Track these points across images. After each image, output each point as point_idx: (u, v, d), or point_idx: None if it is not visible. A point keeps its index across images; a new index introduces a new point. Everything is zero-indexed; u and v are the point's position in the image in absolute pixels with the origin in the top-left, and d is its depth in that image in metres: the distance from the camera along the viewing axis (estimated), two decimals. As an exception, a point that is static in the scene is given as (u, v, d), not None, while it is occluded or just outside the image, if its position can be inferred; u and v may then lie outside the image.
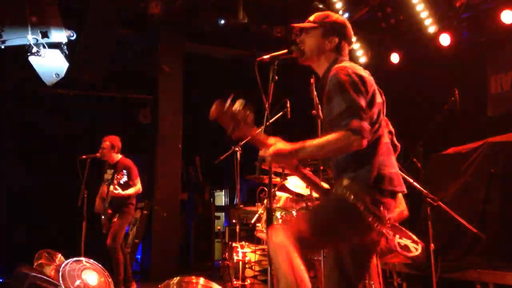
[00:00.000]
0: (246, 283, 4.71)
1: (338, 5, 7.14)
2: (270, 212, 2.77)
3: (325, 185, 2.71)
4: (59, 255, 5.74)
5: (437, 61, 6.96)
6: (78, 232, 5.96)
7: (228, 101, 2.25)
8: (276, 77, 2.60)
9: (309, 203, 4.32)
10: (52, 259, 5.65)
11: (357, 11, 7.19)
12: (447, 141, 6.26)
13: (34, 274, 4.82)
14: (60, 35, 5.80)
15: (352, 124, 2.26)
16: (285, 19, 7.52)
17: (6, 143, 7.70)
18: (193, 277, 4.16)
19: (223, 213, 10.38)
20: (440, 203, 4.41)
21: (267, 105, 2.51)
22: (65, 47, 6.03)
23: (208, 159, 9.60)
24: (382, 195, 2.38)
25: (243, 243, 5.04)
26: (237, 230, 5.40)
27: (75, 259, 5.27)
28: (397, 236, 4.36)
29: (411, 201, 4.50)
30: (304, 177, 2.64)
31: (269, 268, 2.94)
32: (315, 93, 3.66)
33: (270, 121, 2.60)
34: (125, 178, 5.94)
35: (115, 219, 6.04)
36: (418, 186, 4.47)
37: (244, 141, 5.10)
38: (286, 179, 4.54)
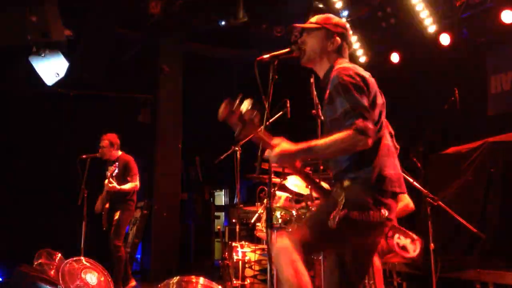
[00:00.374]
0: (246, 282, 4.71)
1: (338, 4, 7.13)
2: (270, 211, 2.77)
3: (325, 186, 2.71)
4: (59, 255, 5.74)
5: (437, 60, 6.95)
6: (78, 232, 5.96)
7: (237, 102, 2.25)
8: (276, 77, 2.60)
9: (309, 203, 4.32)
10: (52, 259, 5.65)
11: (357, 11, 7.19)
12: (447, 140, 6.27)
13: (34, 273, 4.83)
14: (60, 35, 5.80)
15: (357, 124, 2.25)
16: (285, 19, 7.52)
17: (6, 142, 7.70)
18: (193, 276, 4.16)
19: (223, 213, 10.38)
20: (440, 202, 4.42)
21: (267, 105, 2.51)
22: (65, 46, 6.03)
23: (208, 158, 9.61)
24: (383, 196, 2.37)
25: (243, 242, 5.04)
26: (237, 229, 5.40)
27: (75, 258, 5.28)
28: (396, 236, 4.36)
29: (411, 200, 4.50)
30: (306, 178, 2.64)
31: (268, 267, 2.94)
32: (315, 93, 3.67)
33: (270, 120, 2.60)
34: (116, 170, 5.89)
35: (116, 217, 6.03)
36: (418, 185, 4.48)
37: (246, 141, 5.11)
38: (286, 178, 4.54)
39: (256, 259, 4.79)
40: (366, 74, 2.52)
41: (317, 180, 2.69)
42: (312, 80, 3.64)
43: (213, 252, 9.22)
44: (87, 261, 5.31)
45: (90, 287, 5.13)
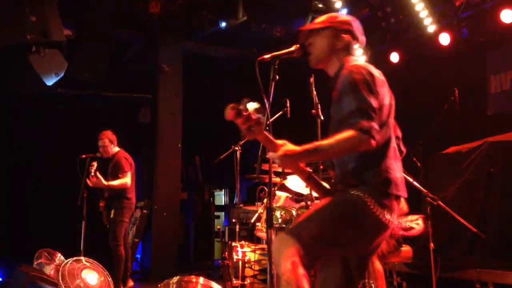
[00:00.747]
0: (245, 282, 4.71)
1: (338, 4, 7.13)
2: (269, 211, 2.77)
3: (327, 186, 2.70)
4: (59, 255, 5.74)
5: (436, 60, 6.95)
6: (77, 232, 5.96)
7: (245, 102, 2.23)
8: (277, 77, 2.60)
9: (308, 202, 4.32)
10: (52, 259, 5.65)
11: (357, 11, 7.19)
12: (447, 140, 6.26)
13: (33, 273, 4.82)
14: (59, 35, 5.79)
15: (361, 124, 2.23)
16: (285, 19, 7.52)
17: (5, 142, 7.70)
18: (193, 276, 4.16)
19: (223, 213, 10.39)
20: (440, 202, 4.42)
21: (267, 105, 2.51)
22: (64, 46, 6.02)
23: (208, 158, 9.62)
24: (387, 198, 2.37)
25: (242, 242, 5.04)
26: (237, 229, 5.40)
27: (74, 258, 5.27)
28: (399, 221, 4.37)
29: (411, 200, 4.51)
30: (309, 179, 2.62)
31: (268, 267, 2.94)
32: (314, 92, 3.66)
33: (270, 120, 2.60)
34: (94, 167, 5.90)
35: (111, 216, 6.03)
36: (418, 185, 4.48)
37: (249, 140, 5.10)
38: (286, 178, 4.54)
39: (256, 259, 4.78)
40: (377, 73, 2.50)
41: (321, 182, 2.67)
42: (311, 80, 3.64)
43: (213, 252, 9.22)
44: (87, 261, 5.31)
45: (90, 287, 5.12)
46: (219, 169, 10.38)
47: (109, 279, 5.36)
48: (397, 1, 6.86)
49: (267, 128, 2.44)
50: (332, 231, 2.34)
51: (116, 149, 6.29)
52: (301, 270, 2.23)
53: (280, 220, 4.21)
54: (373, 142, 2.25)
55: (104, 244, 6.07)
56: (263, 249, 4.89)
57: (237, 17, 6.92)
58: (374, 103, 2.32)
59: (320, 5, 7.14)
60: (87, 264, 5.28)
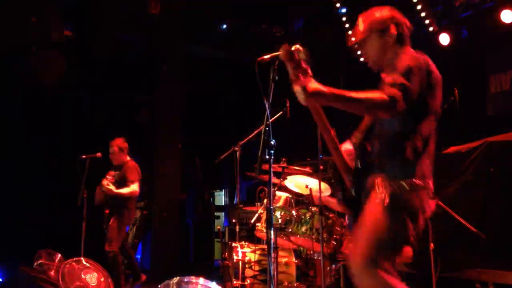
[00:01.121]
0: (245, 283, 4.71)
1: (337, 5, 7.14)
2: (269, 212, 2.77)
3: (348, 145, 2.69)
4: (59, 255, 5.74)
5: (436, 60, 6.94)
6: (78, 232, 5.96)
7: (296, 48, 2.38)
8: (277, 77, 2.60)
9: (307, 202, 4.32)
10: (52, 259, 5.65)
11: (357, 11, 7.18)
12: (446, 140, 6.26)
13: (34, 274, 4.82)
14: (59, 35, 5.80)
15: (395, 93, 2.28)
16: (284, 19, 7.52)
17: (5, 142, 7.69)
18: (193, 277, 4.16)
19: (223, 213, 10.38)
20: (440, 202, 4.41)
21: (267, 105, 2.51)
22: (64, 47, 6.03)
23: (207, 158, 9.61)
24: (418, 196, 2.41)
25: (242, 242, 5.04)
26: (237, 230, 5.40)
27: (75, 259, 5.28)
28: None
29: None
30: (325, 129, 2.63)
31: (268, 267, 2.94)
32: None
33: (270, 120, 2.60)
34: (113, 180, 5.99)
35: (110, 222, 6.04)
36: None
37: (244, 142, 5.10)
38: (286, 178, 4.54)
39: (256, 259, 4.79)
40: (434, 68, 2.54)
41: (338, 143, 2.69)
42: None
43: (213, 252, 9.22)
44: (87, 262, 5.31)
45: (90, 287, 5.12)
46: (219, 170, 10.38)
47: (109, 280, 5.36)
48: (396, 1, 6.87)
49: (267, 128, 2.44)
50: (389, 239, 2.46)
51: (127, 158, 6.31)
52: (392, 279, 2.42)
53: (280, 221, 4.22)
54: (393, 113, 2.30)
55: (104, 245, 6.08)
56: (263, 249, 4.89)
57: (237, 17, 6.93)
58: (415, 89, 2.35)
59: (319, 6, 7.14)
60: (87, 264, 5.28)
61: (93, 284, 5.17)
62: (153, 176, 7.60)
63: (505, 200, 5.19)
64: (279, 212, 4.27)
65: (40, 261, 5.58)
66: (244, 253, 4.82)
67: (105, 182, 5.93)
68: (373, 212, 2.45)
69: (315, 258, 4.72)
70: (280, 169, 4.47)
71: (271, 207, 2.69)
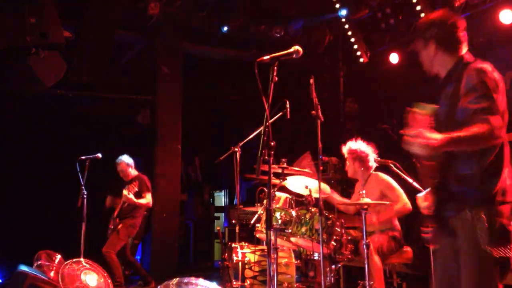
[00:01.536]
0: (245, 283, 4.71)
1: (337, 5, 7.15)
2: (269, 212, 2.77)
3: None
4: (59, 256, 5.73)
5: (436, 61, 6.96)
6: (77, 233, 5.96)
7: (421, 108, 2.51)
8: (276, 78, 2.60)
9: (307, 203, 4.32)
10: (52, 260, 5.64)
11: (357, 12, 7.20)
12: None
13: (33, 274, 4.82)
14: (59, 36, 5.79)
15: (492, 120, 2.33)
16: (284, 19, 7.52)
17: (5, 143, 7.69)
18: (193, 277, 4.15)
19: (223, 214, 10.38)
20: (439, 203, 4.41)
21: (267, 106, 2.51)
22: (64, 48, 6.02)
23: (207, 159, 9.61)
24: (503, 206, 2.42)
25: (242, 243, 5.04)
26: (237, 230, 5.39)
27: (74, 260, 5.27)
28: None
29: (411, 200, 4.51)
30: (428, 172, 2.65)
31: (268, 268, 2.94)
32: (314, 93, 3.66)
33: (270, 121, 2.60)
34: (136, 189, 6.24)
35: (119, 227, 6.24)
36: (417, 186, 4.48)
37: (244, 142, 5.10)
38: (286, 179, 4.54)
39: (256, 260, 4.78)
40: (495, 71, 2.58)
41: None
42: (312, 81, 3.64)
43: (213, 253, 9.21)
44: (86, 263, 5.31)
45: (90, 288, 5.12)
46: (219, 170, 10.38)
47: (109, 281, 5.36)
48: (396, 2, 6.87)
49: (267, 129, 2.44)
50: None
51: (135, 172, 6.58)
52: None
53: (280, 221, 4.21)
54: (499, 141, 2.38)
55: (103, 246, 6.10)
56: (263, 250, 4.89)
57: (236, 18, 6.92)
58: (500, 105, 2.42)
59: (319, 6, 7.14)
60: (87, 265, 5.27)
61: (92, 285, 5.16)
62: (153, 177, 7.59)
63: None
64: (279, 212, 4.27)
65: (39, 262, 5.58)
66: (244, 254, 4.82)
67: (125, 191, 6.16)
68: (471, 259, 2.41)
69: (315, 258, 4.72)
70: (280, 170, 4.47)
71: (271, 208, 2.68)
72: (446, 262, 2.56)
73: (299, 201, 5.01)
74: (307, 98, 3.73)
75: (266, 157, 2.57)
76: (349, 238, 4.22)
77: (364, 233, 3.91)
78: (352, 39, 7.67)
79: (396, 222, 4.65)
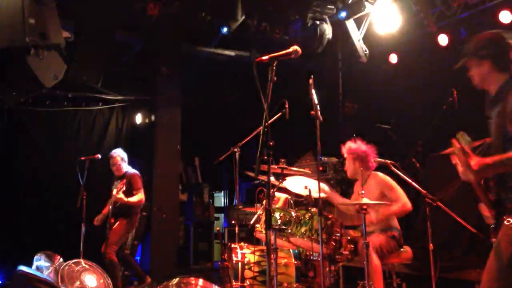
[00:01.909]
0: (245, 284, 4.71)
1: (336, 5, 7.14)
2: (269, 213, 2.77)
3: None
4: (58, 257, 5.73)
5: (435, 61, 6.97)
6: (77, 234, 5.96)
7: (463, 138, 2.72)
8: (275, 78, 2.61)
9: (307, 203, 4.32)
10: (51, 261, 5.64)
11: (356, 12, 7.20)
12: (445, 141, 6.26)
13: (33, 276, 4.82)
14: (58, 37, 5.79)
15: None
16: (283, 20, 7.52)
17: (4, 144, 7.69)
18: (192, 278, 4.15)
19: (222, 214, 10.38)
20: (439, 203, 4.42)
21: (265, 106, 2.51)
22: (63, 48, 6.02)
23: (207, 160, 9.61)
24: None
25: (242, 244, 5.04)
26: (236, 231, 5.40)
27: (74, 260, 5.27)
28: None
29: (410, 200, 4.51)
30: (482, 191, 2.84)
31: (268, 269, 2.94)
32: (314, 94, 3.66)
33: (269, 122, 2.60)
34: (123, 188, 6.08)
35: (115, 226, 6.13)
36: (417, 186, 4.49)
37: (243, 143, 5.10)
38: (285, 179, 4.54)
39: (255, 260, 4.79)
40: None
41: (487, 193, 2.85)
42: (311, 81, 3.64)
43: (213, 253, 9.21)
44: (86, 263, 5.31)
45: (89, 289, 5.12)
46: (219, 171, 10.37)
47: (108, 281, 5.36)
48: (396, 2, 6.87)
49: (265, 129, 2.44)
50: None
51: (127, 167, 6.43)
52: None
53: (279, 222, 4.21)
54: None
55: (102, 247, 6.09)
56: (262, 250, 4.89)
57: (235, 18, 6.92)
58: None
59: (318, 9, 7.14)
60: (87, 266, 5.27)
61: (92, 286, 5.16)
62: (153, 177, 7.59)
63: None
64: (278, 213, 4.27)
65: (39, 263, 5.58)
66: (243, 254, 4.82)
67: (114, 191, 6.04)
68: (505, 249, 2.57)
69: (315, 259, 4.72)
70: (279, 170, 4.47)
71: (270, 208, 2.69)
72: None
73: (299, 201, 5.01)
74: (306, 98, 3.73)
75: (265, 157, 2.57)
76: (349, 238, 4.22)
77: (364, 233, 3.92)
78: (352, 39, 7.66)
79: (396, 222, 4.65)
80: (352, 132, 5.51)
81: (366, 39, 7.60)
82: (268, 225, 2.72)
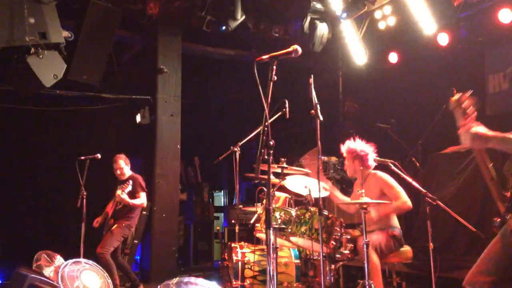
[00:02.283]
0: (245, 283, 4.72)
1: (336, 5, 7.13)
2: (269, 212, 2.77)
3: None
4: (58, 256, 5.73)
5: (435, 60, 6.96)
6: (77, 234, 5.96)
7: (464, 95, 2.71)
8: (275, 77, 2.60)
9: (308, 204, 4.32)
10: (51, 260, 5.64)
11: (356, 11, 7.19)
12: (445, 140, 6.27)
13: (33, 275, 4.82)
14: (58, 37, 5.79)
15: None
16: (283, 19, 7.51)
17: (4, 143, 7.69)
18: (192, 277, 4.15)
19: (222, 214, 10.39)
20: (439, 202, 4.42)
21: (266, 105, 2.51)
22: (63, 48, 6.02)
23: (207, 159, 9.61)
24: None
25: (242, 243, 5.04)
26: (236, 230, 5.40)
27: (74, 260, 5.27)
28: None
29: (410, 200, 4.51)
30: (483, 163, 3.03)
31: (268, 268, 2.94)
32: (313, 93, 3.66)
33: (269, 121, 2.60)
34: (129, 188, 6.12)
35: (113, 228, 6.16)
36: (417, 185, 4.48)
37: (243, 142, 5.10)
38: (285, 179, 4.54)
39: (255, 259, 4.79)
40: None
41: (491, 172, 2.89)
42: (311, 80, 3.64)
43: (213, 253, 9.22)
44: (86, 263, 5.30)
45: (90, 288, 5.12)
46: (218, 170, 10.38)
47: (109, 281, 5.35)
48: (395, 2, 6.87)
49: (266, 128, 2.44)
50: None
51: (130, 171, 6.47)
52: None
53: (279, 221, 4.21)
54: None
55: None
56: (262, 250, 4.89)
57: (235, 18, 6.91)
58: None
59: (318, 6, 7.14)
60: (87, 266, 5.27)
61: (92, 286, 5.16)
62: (153, 177, 7.59)
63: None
64: (278, 212, 4.27)
65: (39, 263, 5.58)
66: (243, 254, 4.82)
67: (118, 191, 6.08)
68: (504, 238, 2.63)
69: (315, 258, 4.72)
70: (279, 170, 4.47)
71: (270, 208, 2.69)
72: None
73: (299, 200, 5.01)
74: (306, 98, 3.73)
75: (265, 157, 2.57)
76: (349, 237, 4.22)
77: (364, 232, 3.92)
78: (352, 38, 7.66)
79: (396, 221, 4.65)
80: (352, 132, 5.51)
81: (366, 38, 7.60)
82: (268, 224, 2.72)
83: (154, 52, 7.87)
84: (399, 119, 6.86)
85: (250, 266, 4.75)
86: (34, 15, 5.44)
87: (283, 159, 4.44)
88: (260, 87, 2.50)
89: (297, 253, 5.00)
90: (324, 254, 4.00)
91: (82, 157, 6.10)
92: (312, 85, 3.64)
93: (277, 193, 4.74)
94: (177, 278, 4.04)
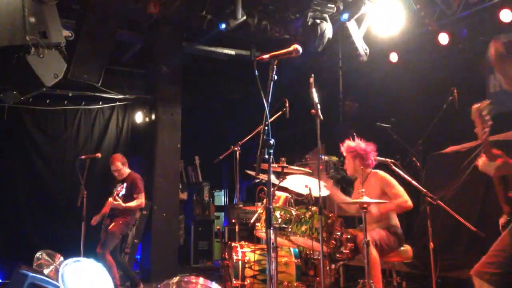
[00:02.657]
0: (245, 282, 4.72)
1: (336, 5, 7.13)
2: (269, 211, 2.77)
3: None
4: (59, 256, 5.73)
5: (435, 60, 6.96)
6: (77, 232, 5.96)
7: (485, 105, 2.74)
8: (275, 77, 2.60)
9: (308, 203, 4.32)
10: (52, 260, 5.64)
11: (356, 11, 7.18)
12: (446, 140, 6.27)
13: (33, 274, 4.82)
14: (59, 36, 5.79)
15: None
16: (284, 19, 7.51)
17: (5, 144, 7.69)
18: (193, 277, 4.15)
19: (223, 213, 10.39)
20: (439, 202, 4.42)
21: (266, 105, 2.51)
22: (63, 47, 6.02)
23: (207, 159, 9.62)
24: None
25: (242, 242, 5.04)
26: (237, 229, 5.40)
27: (74, 259, 5.27)
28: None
29: (410, 199, 4.51)
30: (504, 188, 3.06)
31: (268, 267, 2.94)
32: (314, 93, 3.67)
33: (270, 120, 2.60)
34: (123, 192, 6.09)
35: (110, 227, 6.15)
36: (417, 185, 4.49)
37: (244, 141, 5.10)
38: (285, 178, 4.55)
39: (255, 259, 4.79)
40: None
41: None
42: (311, 80, 3.64)
43: (213, 252, 9.22)
44: (86, 262, 5.30)
45: (90, 288, 5.12)
46: (219, 169, 10.38)
47: (109, 280, 5.35)
48: (395, 2, 6.86)
49: (266, 128, 2.44)
50: None
51: (128, 171, 6.43)
52: None
53: (279, 220, 4.22)
54: None
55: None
56: (263, 249, 4.89)
57: (236, 17, 6.91)
58: None
59: (318, 8, 7.13)
60: (87, 265, 5.26)
61: (92, 285, 5.16)
62: (153, 176, 7.60)
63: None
64: (279, 211, 4.27)
65: (39, 262, 5.58)
66: (244, 253, 4.82)
67: (111, 199, 6.06)
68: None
69: (315, 257, 4.72)
70: (279, 169, 4.47)
71: (271, 207, 2.69)
72: None
73: (299, 200, 5.02)
74: (307, 97, 3.73)
75: (265, 156, 2.57)
76: (349, 236, 4.22)
77: (365, 231, 3.92)
78: (352, 38, 7.66)
79: (396, 220, 4.66)
80: (353, 131, 5.51)
81: (367, 38, 7.59)
82: (269, 223, 2.72)
83: (154, 52, 7.87)
84: (399, 119, 6.86)
85: (251, 266, 4.76)
86: (34, 15, 5.44)
87: (283, 159, 4.45)
88: (260, 86, 2.50)
89: (298, 252, 5.00)
90: (324, 254, 4.00)
91: (82, 157, 6.10)
92: (313, 85, 3.64)
93: (278, 193, 4.74)
94: (178, 278, 4.04)
